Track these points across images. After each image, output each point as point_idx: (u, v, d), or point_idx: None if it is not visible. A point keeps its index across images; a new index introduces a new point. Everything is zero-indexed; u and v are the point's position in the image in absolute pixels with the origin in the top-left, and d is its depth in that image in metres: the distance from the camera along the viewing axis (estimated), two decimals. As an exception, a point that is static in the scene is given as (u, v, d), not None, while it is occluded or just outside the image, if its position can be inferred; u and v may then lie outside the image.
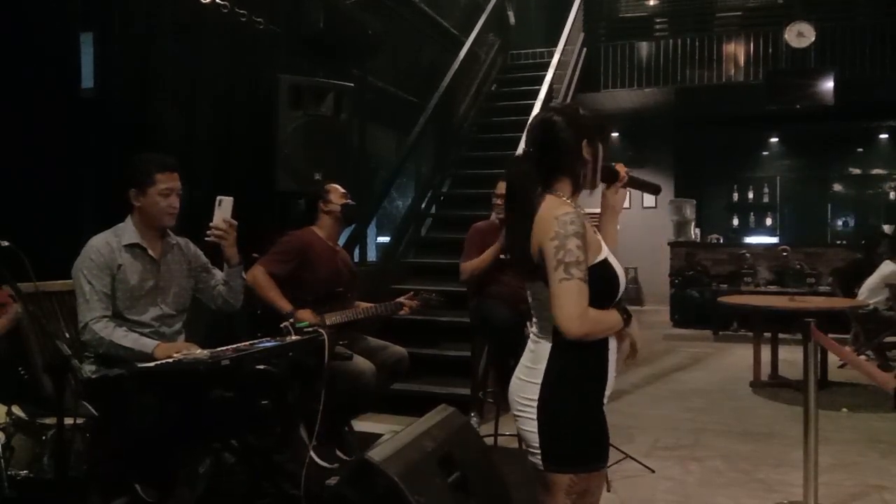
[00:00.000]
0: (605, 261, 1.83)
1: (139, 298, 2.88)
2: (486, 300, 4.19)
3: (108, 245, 2.83)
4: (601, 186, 2.01)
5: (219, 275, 3.14)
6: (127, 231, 2.88)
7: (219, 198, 2.92)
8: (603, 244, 1.87)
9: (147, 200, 2.84)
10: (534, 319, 1.91)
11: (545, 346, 1.82)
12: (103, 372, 2.80)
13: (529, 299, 1.92)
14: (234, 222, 2.95)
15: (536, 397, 1.79)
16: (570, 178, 1.87)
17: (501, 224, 4.04)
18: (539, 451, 1.80)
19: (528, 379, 1.83)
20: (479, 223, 4.52)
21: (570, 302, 1.71)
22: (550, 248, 1.74)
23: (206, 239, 2.94)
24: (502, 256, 4.08)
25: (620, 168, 1.99)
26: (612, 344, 1.86)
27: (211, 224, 2.91)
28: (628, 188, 2.06)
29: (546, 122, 1.88)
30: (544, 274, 1.77)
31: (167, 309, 2.95)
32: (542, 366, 1.81)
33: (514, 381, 1.90)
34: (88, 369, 2.82)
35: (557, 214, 1.76)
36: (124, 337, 2.73)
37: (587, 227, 1.79)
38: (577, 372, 1.80)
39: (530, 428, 1.80)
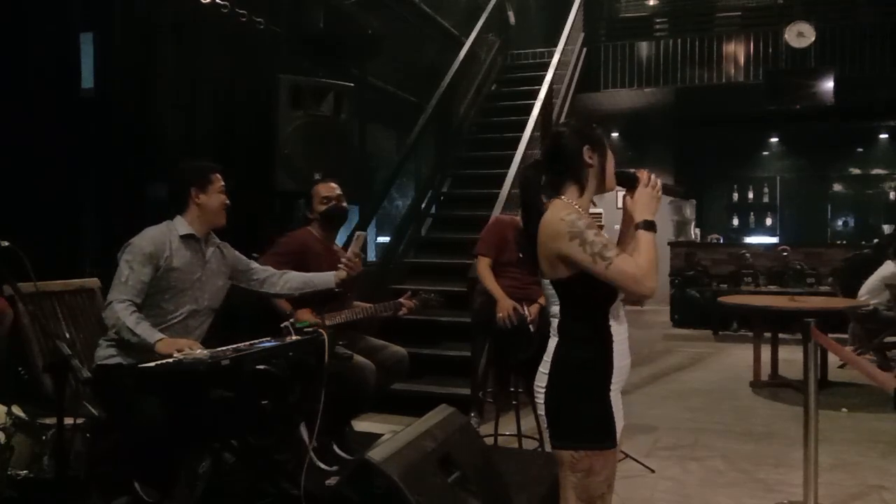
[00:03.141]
0: None
1: (181, 291, 2.96)
2: (493, 299, 4.13)
3: (162, 235, 2.97)
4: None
5: (260, 269, 3.31)
6: (181, 225, 3.04)
7: (357, 233, 3.32)
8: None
9: (209, 198, 3.06)
10: (550, 318, 2.05)
11: (553, 341, 1.99)
12: (102, 360, 2.83)
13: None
14: (361, 255, 3.38)
15: (545, 384, 1.99)
16: (575, 182, 2.01)
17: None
18: (549, 430, 2.00)
19: (542, 370, 2.01)
20: (503, 216, 4.55)
21: (627, 278, 1.86)
22: (575, 248, 1.87)
23: (339, 266, 3.34)
24: (521, 255, 4.07)
25: (641, 174, 2.05)
26: (619, 336, 1.98)
27: (344, 257, 3.35)
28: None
29: (553, 133, 2.09)
30: (561, 274, 1.92)
31: (202, 304, 3.04)
32: (550, 358, 1.98)
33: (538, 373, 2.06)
34: (103, 354, 2.87)
35: (562, 216, 1.91)
36: (136, 324, 2.76)
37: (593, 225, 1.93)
38: (577, 363, 1.95)
39: (542, 412, 2.00)
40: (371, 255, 7.10)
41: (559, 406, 1.96)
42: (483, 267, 4.07)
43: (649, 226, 1.96)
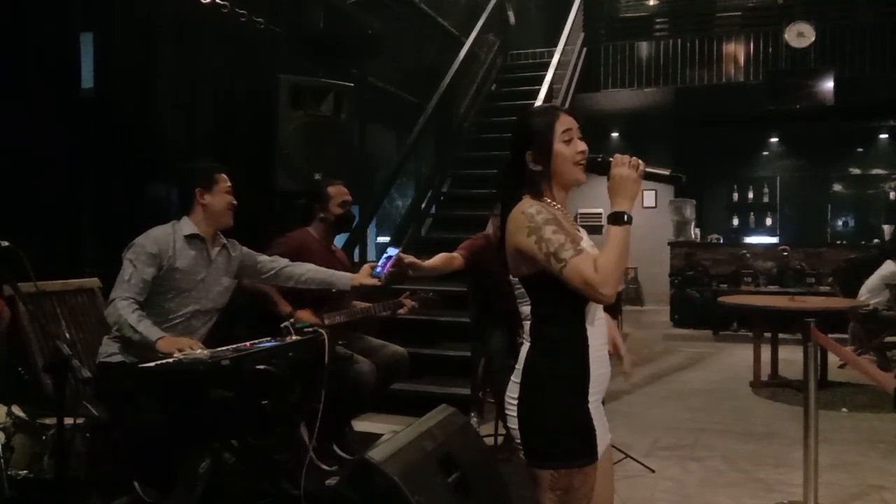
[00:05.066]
0: None
1: (184, 291, 2.97)
2: (487, 323, 4.06)
3: (166, 236, 2.98)
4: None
5: (269, 261, 3.33)
6: (186, 225, 3.04)
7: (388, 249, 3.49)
8: (584, 238, 1.84)
9: (214, 198, 3.08)
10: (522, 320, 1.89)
11: (525, 346, 1.83)
12: (105, 357, 2.84)
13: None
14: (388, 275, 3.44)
15: (517, 395, 1.80)
16: (529, 187, 1.84)
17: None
18: (522, 448, 1.82)
19: (513, 379, 1.84)
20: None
21: (581, 282, 1.66)
22: (532, 246, 1.72)
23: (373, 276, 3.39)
24: None
25: (616, 157, 1.81)
26: (595, 341, 1.82)
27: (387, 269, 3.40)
28: (647, 180, 1.89)
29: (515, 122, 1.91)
30: (524, 271, 1.79)
31: (206, 305, 3.05)
32: (521, 366, 1.82)
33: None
34: (106, 350, 2.88)
35: (524, 209, 1.77)
36: (138, 321, 2.77)
37: (562, 219, 1.78)
38: (551, 370, 1.78)
39: (514, 425, 1.81)
40: (371, 255, 7.09)
41: (533, 419, 1.78)
42: (446, 254, 3.92)
43: (618, 218, 1.72)
